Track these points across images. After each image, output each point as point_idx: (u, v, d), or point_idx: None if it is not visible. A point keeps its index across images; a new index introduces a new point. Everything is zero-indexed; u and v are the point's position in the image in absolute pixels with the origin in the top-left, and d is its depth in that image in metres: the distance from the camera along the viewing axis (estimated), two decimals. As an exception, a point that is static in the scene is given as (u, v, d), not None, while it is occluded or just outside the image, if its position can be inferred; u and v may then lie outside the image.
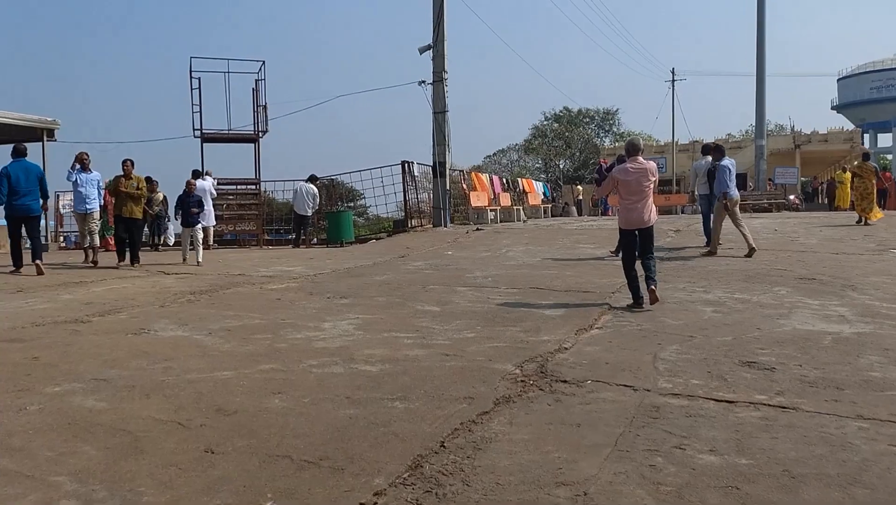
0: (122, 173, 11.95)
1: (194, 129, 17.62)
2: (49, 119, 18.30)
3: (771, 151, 38.72)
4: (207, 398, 4.26)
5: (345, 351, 5.47)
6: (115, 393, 4.35)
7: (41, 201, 11.17)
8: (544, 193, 30.67)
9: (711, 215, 12.38)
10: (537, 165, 68.49)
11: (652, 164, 7.73)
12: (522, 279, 9.66)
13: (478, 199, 21.04)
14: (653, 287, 7.27)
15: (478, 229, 17.18)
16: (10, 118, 17.56)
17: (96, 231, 12.52)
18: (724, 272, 9.91)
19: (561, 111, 69.60)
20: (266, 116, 17.99)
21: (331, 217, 17.06)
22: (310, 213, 17.42)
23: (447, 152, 17.99)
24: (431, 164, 18.64)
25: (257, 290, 8.92)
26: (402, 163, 18.30)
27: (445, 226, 18.26)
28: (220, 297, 8.28)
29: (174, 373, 4.82)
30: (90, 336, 5.96)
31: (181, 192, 12.80)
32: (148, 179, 16.38)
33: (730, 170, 11.75)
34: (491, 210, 21.40)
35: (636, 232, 7.55)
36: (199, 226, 12.35)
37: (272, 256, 13.98)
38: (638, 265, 7.54)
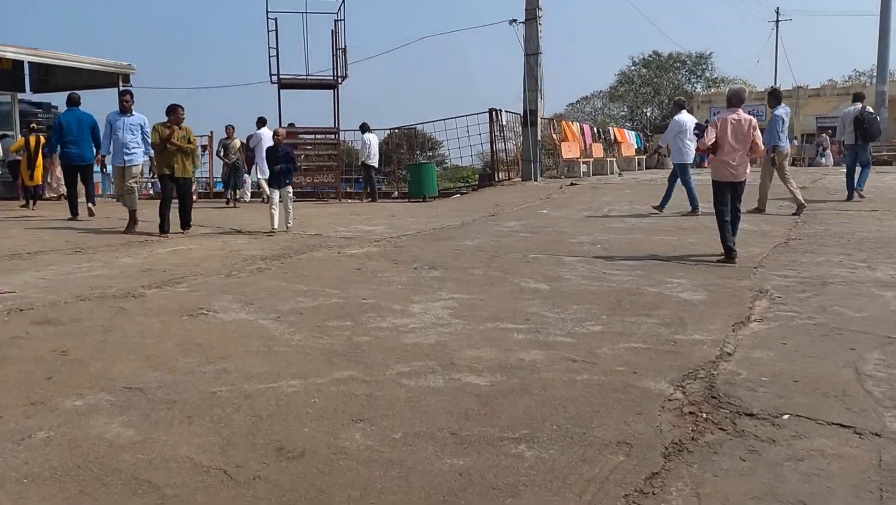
0: (166, 120, 9.57)
1: (271, 75, 16.64)
2: (125, 64, 17.74)
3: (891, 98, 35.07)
4: (266, 427, 3.17)
5: (442, 350, 4.30)
6: (150, 413, 3.32)
7: (94, 150, 11.30)
8: (636, 144, 28.61)
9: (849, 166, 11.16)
10: (622, 113, 65.59)
11: (753, 118, 7.47)
12: (637, 246, 8.26)
13: (569, 151, 19.46)
14: (732, 252, 7.26)
15: (572, 184, 15.69)
16: (86, 63, 17.05)
17: (136, 191, 10.21)
18: (876, 240, 8.25)
19: (650, 56, 66.16)
20: (346, 61, 16.82)
21: (413, 169, 15.87)
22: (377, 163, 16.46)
23: (539, 99, 16.43)
24: (521, 111, 17.09)
25: (335, 255, 7.86)
26: (490, 111, 16.88)
27: (535, 180, 16.83)
28: (294, 264, 7.25)
29: (229, 380, 3.76)
30: (138, 318, 5.00)
31: (268, 146, 11.38)
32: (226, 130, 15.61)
33: (783, 120, 10.80)
34: (583, 162, 19.79)
35: (727, 186, 7.42)
36: (290, 187, 10.11)
37: (351, 213, 12.96)
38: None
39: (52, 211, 12.83)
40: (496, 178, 16.94)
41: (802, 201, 10.70)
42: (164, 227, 9.49)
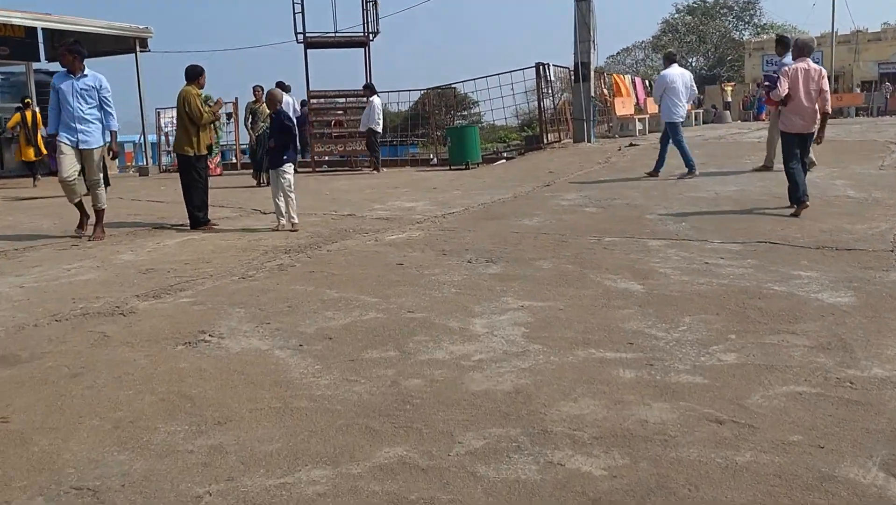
0: (194, 85, 7.82)
1: (297, 33, 15.32)
2: (141, 27, 16.57)
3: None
4: (271, 583, 1.98)
5: (525, 404, 3.06)
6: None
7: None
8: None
9: None
10: (666, 64, 62.87)
11: (822, 68, 7.46)
12: (734, 224, 6.86)
13: (623, 107, 17.84)
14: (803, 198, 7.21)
15: (631, 145, 14.16)
16: (98, 27, 15.93)
17: (103, 182, 7.38)
18: None
19: (695, 2, 63.31)
20: (377, 14, 15.41)
21: (454, 134, 14.47)
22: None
23: (592, 50, 14.82)
24: (572, 65, 15.51)
25: (371, 244, 6.63)
26: (537, 66, 15.36)
27: (589, 141, 15.30)
28: (322, 258, 6.04)
29: (224, 469, 2.57)
30: (120, 349, 3.85)
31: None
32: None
33: None
34: (638, 119, 18.16)
35: (797, 137, 7.38)
36: (288, 167, 7.65)
37: (387, 185, 11.69)
38: None
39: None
40: (545, 140, 15.48)
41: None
42: (201, 222, 7.76)
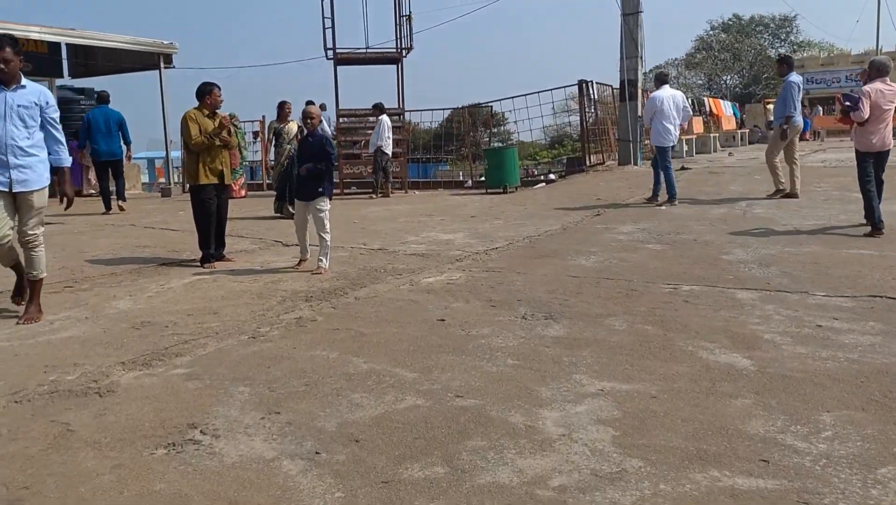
0: (198, 106, 6.91)
1: (326, 50, 14.56)
2: (166, 42, 15.96)
3: None
4: None
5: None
6: None
7: (123, 146, 11.95)
8: (735, 115, 25.48)
9: None
10: (700, 82, 61.94)
11: None
12: (833, 270, 5.80)
13: (669, 127, 16.74)
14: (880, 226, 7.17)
15: (683, 168, 13.11)
16: (123, 42, 15.35)
17: (41, 241, 5.09)
18: None
19: (730, 19, 62.33)
20: (410, 29, 14.59)
21: (492, 156, 13.51)
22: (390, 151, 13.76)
23: (640, 67, 13.82)
24: (619, 83, 14.51)
25: (405, 290, 5.69)
26: (580, 83, 14.40)
27: (636, 164, 14.28)
28: (349, 311, 5.10)
29: None
30: (82, 454, 2.94)
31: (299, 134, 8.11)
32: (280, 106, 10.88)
33: (799, 87, 9.84)
34: (685, 140, 17.08)
35: (874, 156, 7.41)
36: (324, 202, 6.52)
37: (420, 213, 10.78)
38: None
39: (84, 206, 11.34)
40: (587, 162, 14.48)
41: (798, 189, 9.75)
42: (209, 257, 6.86)
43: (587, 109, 14.51)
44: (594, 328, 4.49)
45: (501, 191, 13.15)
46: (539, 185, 14.01)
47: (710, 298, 5.12)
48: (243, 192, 14.38)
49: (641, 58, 13.89)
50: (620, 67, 13.97)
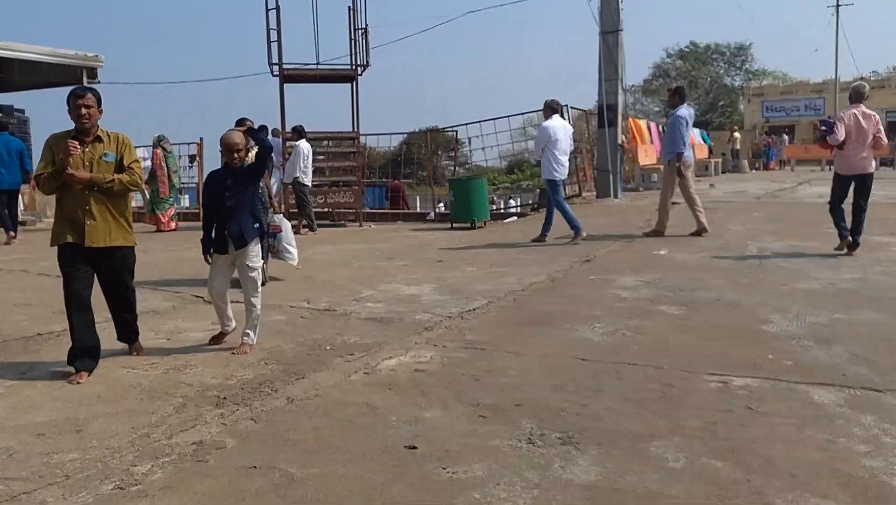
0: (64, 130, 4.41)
1: (271, 65, 13.00)
2: (90, 55, 14.23)
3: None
4: None
5: None
6: None
7: (21, 175, 11.06)
8: (706, 143, 24.64)
9: None
10: (657, 109, 62.22)
11: (875, 114, 7.66)
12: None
13: (646, 156, 15.64)
14: (856, 238, 7.57)
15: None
16: (41, 54, 13.57)
17: None
18: None
19: (687, 47, 62.79)
20: (367, 44, 13.14)
21: (458, 187, 12.02)
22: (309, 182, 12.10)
23: (619, 91, 12.62)
24: (596, 107, 13.28)
25: (358, 384, 4.14)
26: (554, 107, 13.08)
27: (616, 196, 13.02)
28: (277, 426, 3.53)
29: None
30: None
31: (210, 171, 5.10)
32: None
33: (687, 122, 9.50)
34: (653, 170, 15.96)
35: (853, 179, 7.65)
36: (254, 249, 4.84)
37: (379, 254, 9.24)
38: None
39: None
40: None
41: (705, 224, 9.39)
42: (76, 363, 4.28)
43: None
44: (639, 466, 3.02)
45: (469, 226, 11.71)
46: (510, 220, 12.64)
47: (781, 403, 3.71)
48: (173, 224, 12.65)
49: (621, 80, 12.71)
50: (599, 91, 12.76)
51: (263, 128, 13.05)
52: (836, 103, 37.45)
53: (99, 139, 4.36)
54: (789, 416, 3.55)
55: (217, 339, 4.99)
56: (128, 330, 4.76)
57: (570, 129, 9.89)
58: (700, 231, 9.43)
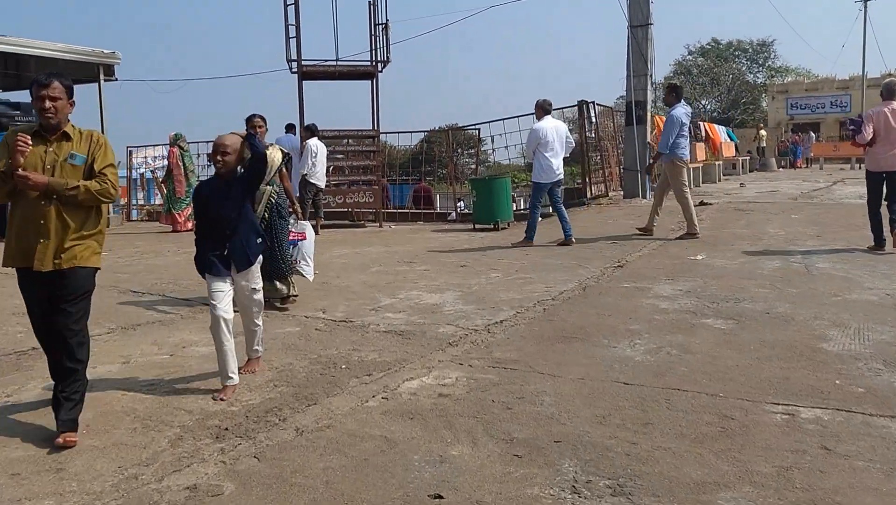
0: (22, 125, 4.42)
1: (290, 61, 12.62)
2: (107, 52, 13.95)
3: None
4: None
5: None
6: None
7: None
8: (733, 140, 23.96)
9: None
10: (678, 106, 61.02)
11: None
12: None
13: (675, 154, 15.02)
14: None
15: (703, 203, 11.36)
16: (58, 51, 13.28)
17: None
18: None
19: (708, 44, 61.72)
20: (388, 41, 12.72)
21: (480, 186, 11.57)
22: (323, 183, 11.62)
23: (648, 86, 12.10)
24: (623, 104, 12.75)
25: (376, 413, 3.71)
26: (580, 104, 12.62)
27: (644, 196, 12.50)
28: (282, 466, 3.09)
29: None
30: None
31: (202, 180, 5.00)
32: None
33: (682, 122, 9.15)
34: (692, 168, 15.36)
35: (884, 175, 7.58)
36: (254, 273, 4.23)
37: (398, 258, 8.81)
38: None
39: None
40: (588, 194, 12.68)
41: (697, 227, 9.06)
42: (59, 424, 3.40)
43: (589, 134, 12.75)
44: (706, 525, 2.55)
45: (492, 227, 11.25)
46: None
47: (861, 442, 3.22)
48: (190, 225, 12.32)
49: (651, 75, 12.18)
50: (627, 87, 12.24)
51: (291, 126, 12.68)
52: (864, 100, 36.41)
53: (66, 137, 3.47)
54: (873, 458, 3.06)
55: (219, 394, 3.98)
56: (65, 399, 3.42)
57: (564, 129, 9.48)
58: (690, 234, 9.09)
